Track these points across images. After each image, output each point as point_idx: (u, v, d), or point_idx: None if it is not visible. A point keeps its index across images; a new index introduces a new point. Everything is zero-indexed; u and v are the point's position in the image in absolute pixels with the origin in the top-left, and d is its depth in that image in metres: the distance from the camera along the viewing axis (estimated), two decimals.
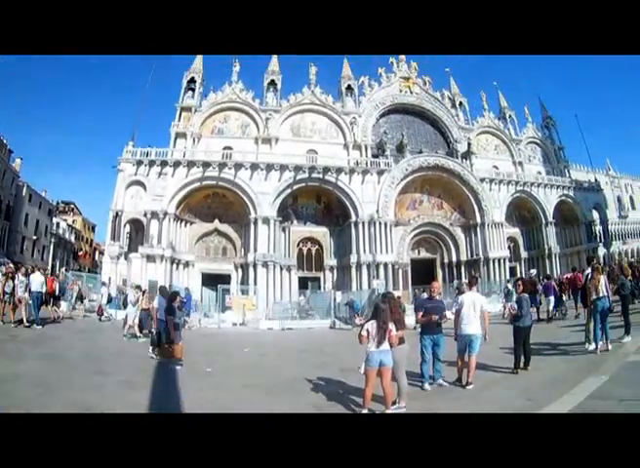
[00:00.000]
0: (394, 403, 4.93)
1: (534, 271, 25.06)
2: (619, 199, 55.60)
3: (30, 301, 11.47)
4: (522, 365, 6.72)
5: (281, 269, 30.71)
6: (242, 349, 10.75)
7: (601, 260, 37.02)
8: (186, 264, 31.29)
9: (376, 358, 4.66)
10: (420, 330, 6.54)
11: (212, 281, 26.62)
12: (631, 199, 59.06)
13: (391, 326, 4.79)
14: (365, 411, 4.67)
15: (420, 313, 6.35)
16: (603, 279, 7.24)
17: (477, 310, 6.29)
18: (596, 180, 46.87)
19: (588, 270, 8.09)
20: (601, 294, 7.03)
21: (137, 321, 11.70)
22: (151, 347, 8.92)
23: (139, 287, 13.79)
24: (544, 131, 44.41)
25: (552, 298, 13.08)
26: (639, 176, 61.90)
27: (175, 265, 30.34)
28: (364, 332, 4.78)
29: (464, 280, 28.01)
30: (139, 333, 11.37)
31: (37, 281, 11.84)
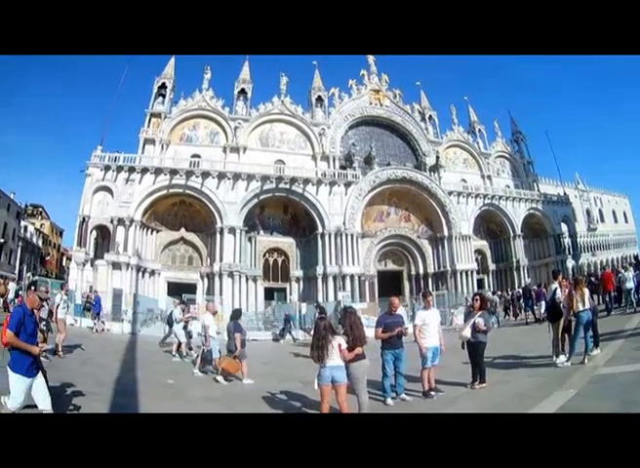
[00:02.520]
0: None
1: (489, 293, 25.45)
2: (587, 212, 56.95)
3: None
4: (479, 380, 6.73)
5: (247, 279, 30.28)
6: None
7: (570, 272, 37.76)
8: (152, 273, 30.64)
9: (327, 374, 4.53)
10: (380, 344, 6.53)
11: (178, 290, 26.16)
12: (600, 212, 60.61)
13: (341, 340, 4.67)
14: None
15: (380, 329, 6.38)
16: (587, 291, 7.25)
17: (436, 325, 6.76)
18: (565, 194, 47.89)
19: (554, 284, 8.17)
20: (586, 306, 7.02)
21: (184, 339, 11.40)
22: (199, 365, 9.15)
23: (183, 302, 13.49)
24: (514, 145, 45.30)
25: (543, 303, 14.33)
26: (607, 190, 63.84)
27: (141, 273, 29.65)
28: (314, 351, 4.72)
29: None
30: (188, 352, 11.20)
31: None
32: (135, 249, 29.07)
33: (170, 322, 12.01)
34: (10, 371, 3.81)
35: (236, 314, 9.09)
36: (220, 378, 8.09)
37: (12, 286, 21.95)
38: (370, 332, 6.04)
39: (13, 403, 3.73)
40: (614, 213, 63.26)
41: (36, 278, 26.20)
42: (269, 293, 31.19)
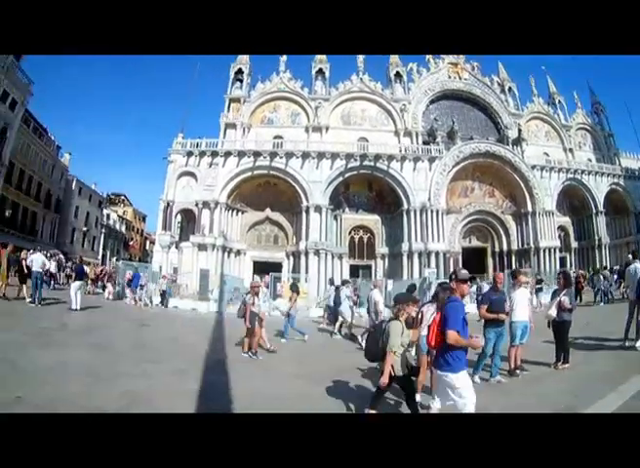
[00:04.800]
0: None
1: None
2: None
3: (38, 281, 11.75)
4: (562, 360, 6.62)
5: (332, 257, 30.98)
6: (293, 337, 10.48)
7: None
8: (238, 253, 31.96)
9: (424, 342, 4.51)
10: (483, 322, 6.38)
11: (263, 269, 26.94)
12: None
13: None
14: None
15: (485, 306, 6.19)
16: None
17: (526, 303, 6.60)
18: None
19: (636, 263, 7.89)
20: None
21: (349, 318, 11.60)
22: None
23: (347, 281, 13.63)
24: (594, 117, 43.10)
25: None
26: None
27: (226, 254, 30.94)
28: (418, 316, 4.76)
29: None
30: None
31: (38, 261, 11.98)
32: (220, 230, 30.33)
33: (337, 301, 12.08)
34: (453, 374, 3.45)
35: (411, 288, 9.45)
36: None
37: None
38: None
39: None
40: None
41: (120, 262, 27.74)
42: (355, 271, 31.53)
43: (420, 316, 4.95)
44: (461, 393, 3.39)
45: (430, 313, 4.84)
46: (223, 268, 28.91)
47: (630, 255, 9.17)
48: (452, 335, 3.36)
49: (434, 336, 3.56)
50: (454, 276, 3.88)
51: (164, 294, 19.05)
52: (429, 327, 3.75)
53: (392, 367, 3.94)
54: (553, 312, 6.56)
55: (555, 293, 6.86)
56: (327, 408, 4.60)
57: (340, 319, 11.72)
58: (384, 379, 3.96)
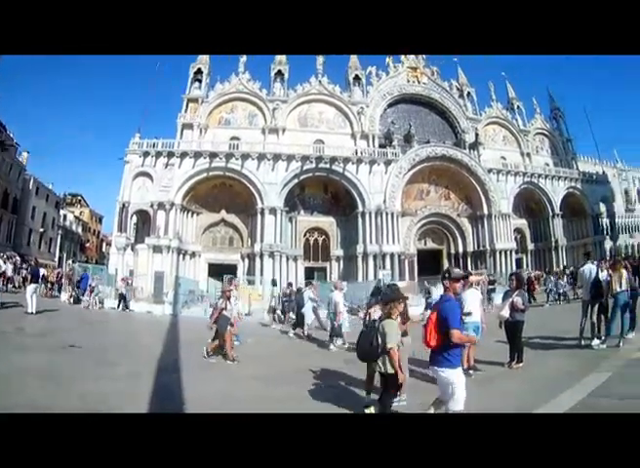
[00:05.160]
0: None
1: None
2: (626, 192, 54.88)
3: None
4: (516, 359, 6.71)
5: (287, 259, 30.75)
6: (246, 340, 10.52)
7: (607, 254, 36.96)
8: (193, 255, 31.41)
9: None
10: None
11: (218, 271, 26.67)
12: (639, 192, 58.55)
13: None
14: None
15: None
16: (625, 273, 7.18)
17: (478, 304, 6.72)
18: (604, 173, 46.50)
19: (589, 265, 8.00)
20: (624, 287, 6.98)
21: (310, 320, 11.72)
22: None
23: (311, 283, 14.00)
24: (552, 122, 44.10)
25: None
26: None
27: (181, 256, 30.39)
28: (366, 317, 4.86)
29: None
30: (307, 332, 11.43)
31: None
32: (175, 232, 29.81)
33: (300, 304, 12.15)
34: (452, 370, 3.53)
35: (376, 291, 9.60)
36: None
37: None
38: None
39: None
40: None
41: (76, 264, 27.13)
42: (310, 273, 31.44)
43: (367, 317, 5.03)
44: (458, 388, 3.48)
45: (378, 314, 4.82)
46: (179, 270, 28.44)
47: (585, 257, 9.32)
48: (456, 334, 3.46)
49: (432, 336, 3.58)
50: (447, 275, 3.92)
51: (123, 297, 18.48)
52: (425, 327, 3.75)
53: (390, 363, 4.09)
54: (506, 312, 6.62)
55: (507, 294, 6.94)
56: (289, 408, 4.55)
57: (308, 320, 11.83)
58: (401, 376, 4.17)
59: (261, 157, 30.89)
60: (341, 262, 32.33)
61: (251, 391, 5.56)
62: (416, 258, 32.58)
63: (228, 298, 8.13)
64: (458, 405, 3.46)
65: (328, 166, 31.32)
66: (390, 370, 4.14)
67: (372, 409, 4.43)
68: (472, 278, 7.07)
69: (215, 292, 25.74)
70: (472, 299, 6.59)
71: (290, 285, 17.83)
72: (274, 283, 17.86)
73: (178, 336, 10.99)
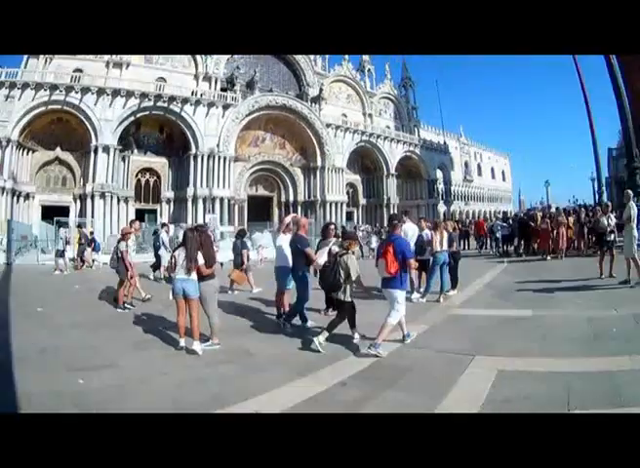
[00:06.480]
0: (207, 339, 4.82)
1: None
2: (466, 164, 62.68)
3: None
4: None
5: (118, 201, 29.94)
6: (74, 286, 9.98)
7: (441, 216, 42.36)
8: (27, 196, 29.21)
9: (178, 286, 4.67)
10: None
11: (52, 214, 24.93)
12: (479, 166, 66.86)
13: (199, 257, 4.72)
14: (182, 342, 4.68)
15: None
16: (446, 234, 7.72)
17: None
18: (445, 143, 52.29)
19: (408, 223, 8.26)
20: (444, 248, 7.54)
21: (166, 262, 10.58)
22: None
23: (165, 224, 12.55)
24: (402, 90, 47.77)
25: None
26: (489, 148, 70.64)
27: (15, 198, 27.91)
28: (171, 260, 4.91)
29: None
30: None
31: None
32: (10, 171, 27.20)
33: (157, 246, 11.37)
34: (402, 291, 4.59)
35: (242, 233, 9.73)
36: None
37: None
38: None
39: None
40: (492, 170, 70.05)
41: None
42: (140, 215, 30.63)
43: (173, 260, 4.90)
44: (401, 305, 4.53)
45: (182, 257, 4.76)
46: (13, 214, 26.11)
47: (403, 215, 9.79)
48: (413, 263, 4.81)
49: (392, 265, 4.44)
50: (396, 221, 5.22)
51: None
52: (383, 257, 4.57)
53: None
54: (323, 260, 6.27)
55: (323, 242, 6.97)
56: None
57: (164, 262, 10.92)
58: (363, 288, 5.25)
59: (101, 92, 29.07)
60: (172, 205, 32.47)
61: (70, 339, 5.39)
62: (246, 204, 33.93)
63: (127, 241, 7.56)
64: (397, 314, 4.50)
65: (166, 105, 30.60)
66: (348, 299, 4.70)
67: (321, 338, 4.60)
68: (283, 226, 6.91)
69: (47, 236, 23.58)
70: (286, 245, 6.36)
71: (164, 225, 16.49)
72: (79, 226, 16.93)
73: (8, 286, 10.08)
